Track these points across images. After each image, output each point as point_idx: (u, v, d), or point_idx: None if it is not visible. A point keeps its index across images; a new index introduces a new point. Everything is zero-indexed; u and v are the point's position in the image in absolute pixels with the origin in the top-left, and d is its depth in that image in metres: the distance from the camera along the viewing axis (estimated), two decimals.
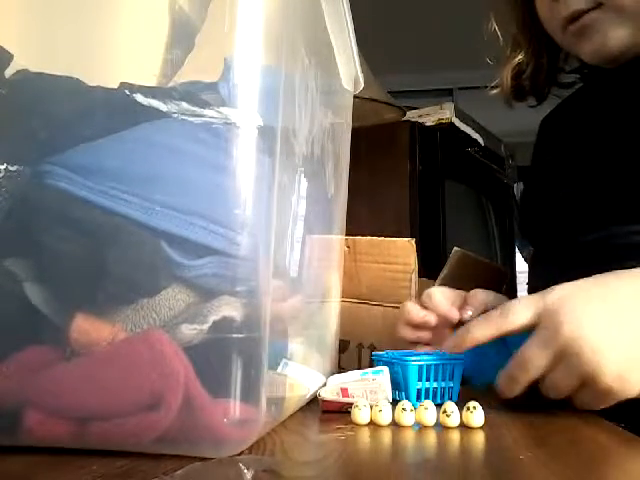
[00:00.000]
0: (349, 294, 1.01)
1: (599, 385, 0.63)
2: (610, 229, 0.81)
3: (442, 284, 1.04)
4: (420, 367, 0.72)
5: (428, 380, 0.73)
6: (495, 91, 1.02)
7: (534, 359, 0.64)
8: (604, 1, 0.82)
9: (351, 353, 0.98)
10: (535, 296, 0.67)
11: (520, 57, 0.97)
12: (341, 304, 0.95)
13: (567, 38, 0.88)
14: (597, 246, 0.82)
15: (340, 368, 0.78)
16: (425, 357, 0.75)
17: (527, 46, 0.97)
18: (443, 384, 0.74)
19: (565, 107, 1.02)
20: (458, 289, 0.87)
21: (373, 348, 0.94)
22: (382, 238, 1.04)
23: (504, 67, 0.98)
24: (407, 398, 0.71)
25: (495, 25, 0.99)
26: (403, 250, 1.01)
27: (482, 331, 0.69)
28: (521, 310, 0.67)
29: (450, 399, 0.72)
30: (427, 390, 0.73)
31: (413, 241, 1.01)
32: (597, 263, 0.73)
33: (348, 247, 1.03)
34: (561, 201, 0.90)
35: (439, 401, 0.70)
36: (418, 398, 0.72)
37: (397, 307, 0.98)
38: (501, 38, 0.99)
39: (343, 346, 0.98)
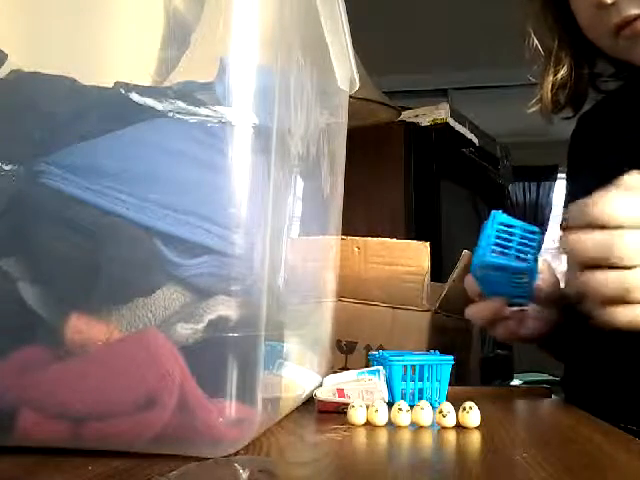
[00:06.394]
0: (358, 295, 1.01)
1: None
2: None
3: (452, 285, 1.04)
4: (404, 367, 0.72)
5: (413, 380, 0.73)
6: (535, 108, 1.00)
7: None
8: None
9: (359, 354, 0.98)
10: None
11: (563, 72, 0.96)
12: (349, 305, 0.95)
13: (620, 43, 0.87)
14: None
15: (347, 369, 0.78)
16: (411, 357, 0.75)
17: (568, 60, 0.96)
18: (429, 384, 0.73)
19: (612, 104, 1.01)
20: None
21: (382, 349, 0.94)
22: (395, 240, 1.03)
23: (543, 83, 0.97)
24: (392, 398, 0.70)
25: (536, 41, 0.98)
26: (417, 253, 1.01)
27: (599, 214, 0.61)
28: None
29: (437, 400, 0.72)
30: (412, 390, 0.73)
31: (427, 244, 1.01)
32: None
33: (358, 248, 1.03)
34: None
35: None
36: (403, 398, 0.71)
37: (407, 309, 0.98)
38: (542, 53, 0.97)
39: (350, 347, 0.98)
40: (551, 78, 0.96)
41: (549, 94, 0.97)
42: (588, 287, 0.61)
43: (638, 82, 0.96)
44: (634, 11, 0.83)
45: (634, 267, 0.59)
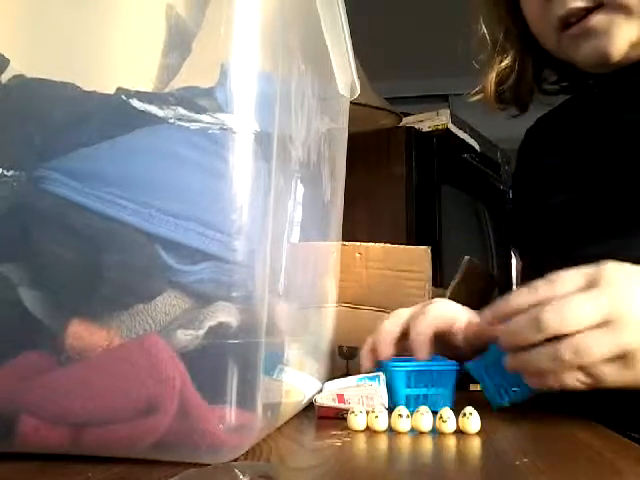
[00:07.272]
0: (359, 301, 1.01)
1: (634, 365, 0.59)
2: (609, 242, 0.78)
3: (453, 291, 1.03)
4: (408, 373, 0.72)
5: (418, 387, 0.72)
6: (477, 97, 0.99)
7: (581, 310, 0.58)
8: (606, 1, 0.78)
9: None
10: (583, 268, 0.63)
11: (506, 63, 0.94)
12: (351, 310, 0.95)
13: (562, 41, 0.83)
14: (595, 260, 0.70)
15: (348, 374, 0.78)
16: (415, 363, 0.74)
17: (512, 53, 0.94)
18: (434, 390, 0.73)
19: (555, 115, 1.00)
20: (466, 296, 0.85)
21: None
22: (396, 246, 1.03)
23: (489, 73, 0.95)
24: (392, 404, 0.70)
25: (484, 29, 0.96)
26: (418, 258, 1.01)
27: (521, 300, 0.63)
28: (570, 278, 0.61)
29: (443, 406, 0.72)
30: (417, 397, 0.72)
31: (429, 249, 1.00)
32: None
33: (360, 254, 1.03)
34: (556, 210, 0.88)
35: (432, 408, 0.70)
36: (408, 405, 0.71)
37: None
38: (489, 42, 0.95)
39: (352, 353, 0.98)
40: (495, 67, 0.94)
41: (492, 85, 0.95)
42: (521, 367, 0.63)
43: (581, 94, 0.94)
44: (579, 3, 0.78)
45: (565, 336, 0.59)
